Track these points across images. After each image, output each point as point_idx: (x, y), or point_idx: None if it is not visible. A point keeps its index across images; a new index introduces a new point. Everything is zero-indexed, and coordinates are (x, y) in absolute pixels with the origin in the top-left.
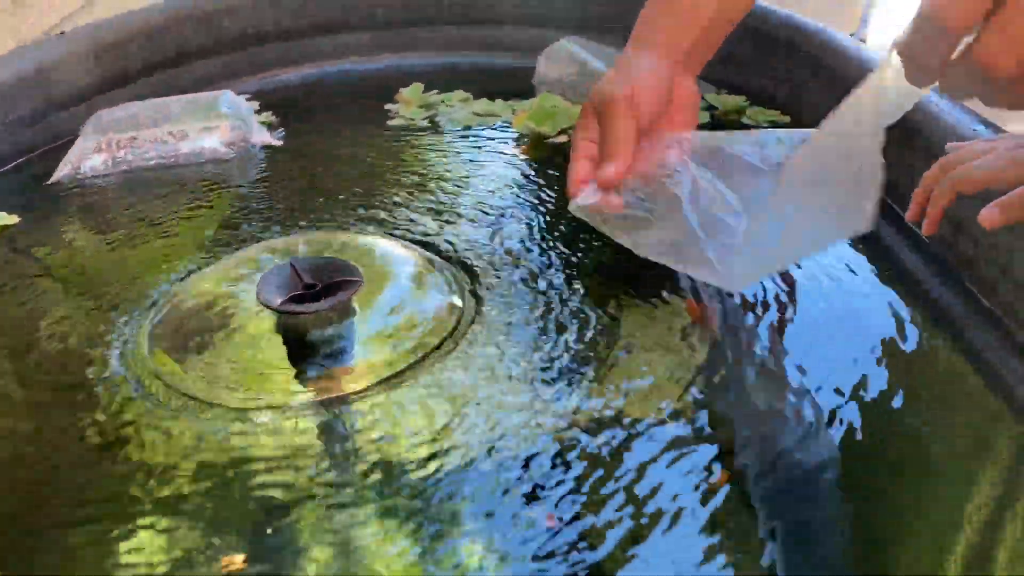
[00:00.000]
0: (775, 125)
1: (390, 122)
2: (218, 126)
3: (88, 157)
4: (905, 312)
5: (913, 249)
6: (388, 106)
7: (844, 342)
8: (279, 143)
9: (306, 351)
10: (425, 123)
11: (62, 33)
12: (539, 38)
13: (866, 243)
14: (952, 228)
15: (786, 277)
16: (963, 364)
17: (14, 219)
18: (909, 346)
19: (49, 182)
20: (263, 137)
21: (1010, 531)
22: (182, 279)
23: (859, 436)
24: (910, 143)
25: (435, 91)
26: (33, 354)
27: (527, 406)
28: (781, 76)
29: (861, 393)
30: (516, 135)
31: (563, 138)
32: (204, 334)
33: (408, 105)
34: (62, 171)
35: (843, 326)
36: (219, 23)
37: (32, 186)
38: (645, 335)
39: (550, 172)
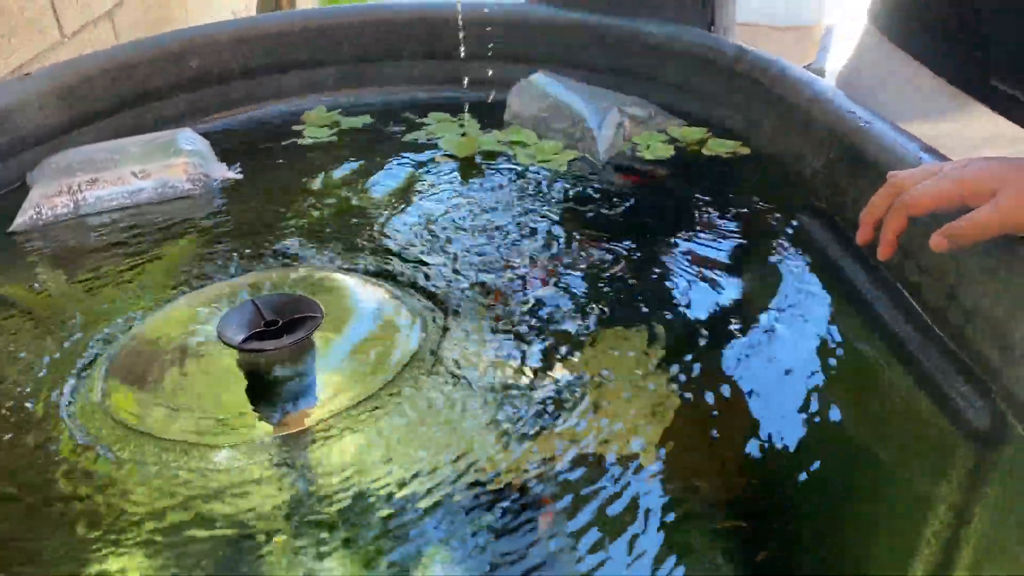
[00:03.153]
0: (734, 155)
1: (349, 157)
2: (178, 163)
3: (49, 201)
4: (856, 337)
5: (864, 272)
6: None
7: (795, 365)
8: (239, 177)
9: (268, 388)
10: (387, 155)
11: (27, 74)
12: (513, 72)
13: (819, 269)
14: (900, 254)
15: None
16: (914, 388)
17: None
18: (861, 371)
19: (10, 230)
20: (223, 172)
21: (964, 553)
22: (144, 317)
23: (811, 460)
24: (858, 169)
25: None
26: None
27: (493, 438)
28: (738, 108)
29: (813, 417)
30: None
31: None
32: (164, 372)
33: (314, 126)
34: (22, 217)
35: (794, 350)
36: (183, 62)
37: None
38: (612, 364)
39: (507, 198)
